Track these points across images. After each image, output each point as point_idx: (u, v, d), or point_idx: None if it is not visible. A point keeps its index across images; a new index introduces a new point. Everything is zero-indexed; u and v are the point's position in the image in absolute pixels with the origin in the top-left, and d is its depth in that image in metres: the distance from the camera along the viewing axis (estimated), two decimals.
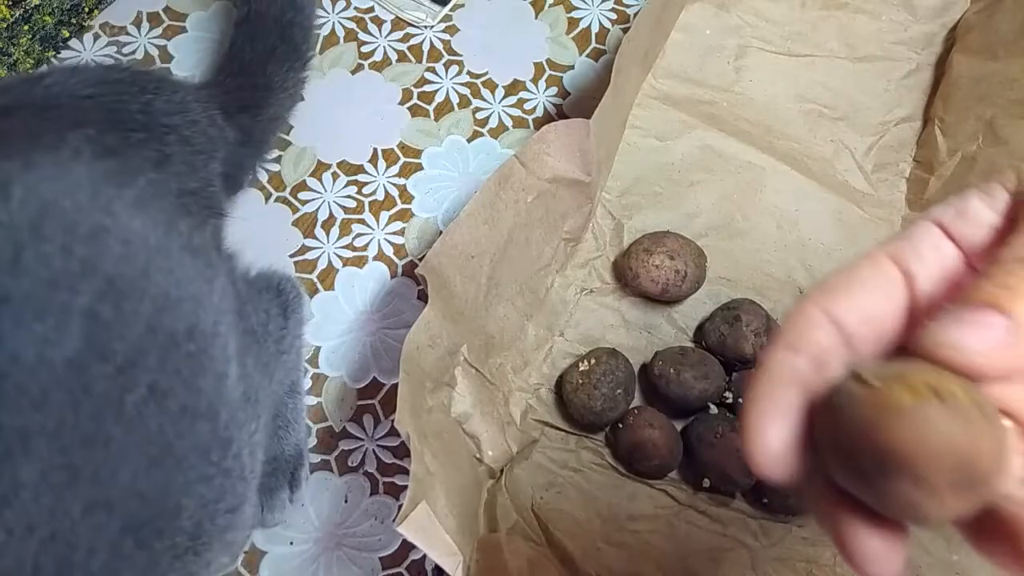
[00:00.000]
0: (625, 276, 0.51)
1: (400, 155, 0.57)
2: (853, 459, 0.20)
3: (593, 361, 0.48)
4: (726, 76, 0.58)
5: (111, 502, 0.28)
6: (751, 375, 0.23)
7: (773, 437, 0.22)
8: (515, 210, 0.45)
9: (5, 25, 0.53)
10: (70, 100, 0.37)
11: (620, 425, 0.48)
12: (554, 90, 0.60)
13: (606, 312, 0.52)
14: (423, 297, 0.53)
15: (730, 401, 0.49)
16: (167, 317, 0.30)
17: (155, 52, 0.59)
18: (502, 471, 0.47)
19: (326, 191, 0.56)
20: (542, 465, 0.48)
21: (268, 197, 0.55)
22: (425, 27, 0.61)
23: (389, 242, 0.55)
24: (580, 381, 0.47)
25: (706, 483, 0.47)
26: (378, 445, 0.50)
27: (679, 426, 0.49)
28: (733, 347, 0.49)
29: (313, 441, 0.50)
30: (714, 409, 0.48)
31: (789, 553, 0.47)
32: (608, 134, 0.50)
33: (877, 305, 0.23)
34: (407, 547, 0.47)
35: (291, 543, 0.47)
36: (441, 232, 0.55)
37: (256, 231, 0.54)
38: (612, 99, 0.45)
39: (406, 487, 0.49)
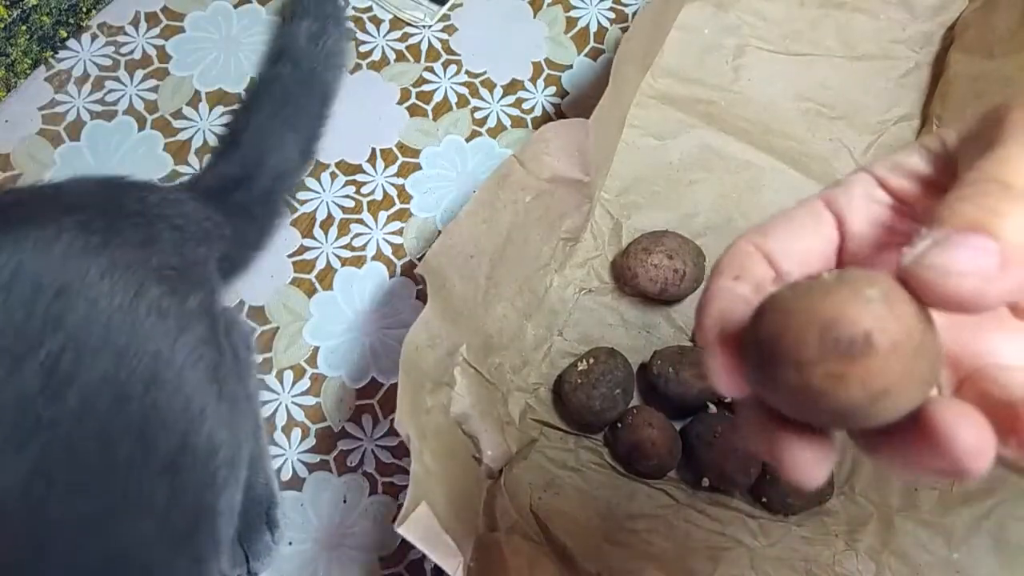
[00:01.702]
0: (624, 275, 0.51)
1: (398, 155, 0.57)
2: (756, 355, 0.19)
3: (592, 361, 0.48)
4: (724, 75, 0.57)
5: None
6: (700, 301, 0.23)
7: (727, 356, 0.21)
8: (514, 210, 0.45)
9: (3, 25, 0.53)
10: (72, 194, 0.41)
11: (619, 425, 0.48)
12: (552, 89, 0.60)
13: (605, 312, 0.52)
14: (421, 297, 0.53)
15: (729, 400, 0.48)
16: (124, 370, 0.33)
17: (153, 52, 0.58)
18: (501, 471, 0.47)
19: (324, 191, 0.56)
20: (541, 465, 0.48)
21: None
22: (423, 26, 0.61)
23: (387, 242, 0.55)
24: (579, 381, 0.47)
25: (705, 482, 0.47)
26: (377, 445, 0.50)
27: (678, 426, 0.49)
28: None
29: (312, 441, 0.50)
30: (713, 408, 0.48)
31: (788, 552, 0.46)
32: (607, 134, 0.50)
33: (808, 245, 0.23)
34: (406, 547, 0.47)
35: (290, 543, 0.47)
36: (440, 232, 0.54)
37: None
38: (611, 99, 0.45)
39: (405, 487, 0.49)
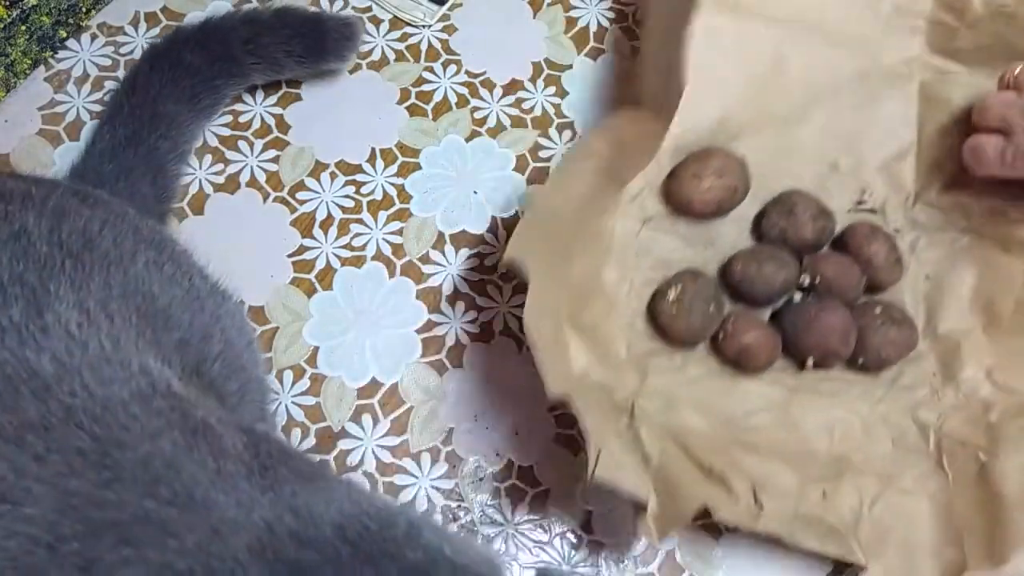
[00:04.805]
0: (679, 203, 0.51)
1: (398, 155, 0.57)
2: None
3: (680, 287, 0.49)
4: None
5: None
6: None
7: None
8: (582, 179, 0.47)
9: (2, 26, 0.53)
10: None
11: (721, 335, 0.49)
12: (552, 89, 0.60)
13: (666, 237, 0.52)
14: (421, 296, 0.53)
15: (806, 285, 0.50)
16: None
17: None
18: (633, 406, 0.47)
19: (324, 191, 0.56)
20: (658, 390, 0.48)
21: (266, 197, 0.55)
22: (423, 26, 0.61)
23: (387, 242, 0.55)
24: (674, 311, 0.48)
25: (809, 363, 0.49)
26: (377, 445, 0.50)
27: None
28: (795, 236, 0.51)
29: (312, 441, 0.50)
30: (798, 296, 0.51)
31: (893, 405, 0.49)
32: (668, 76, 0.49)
33: None
34: None
35: None
36: (439, 232, 0.55)
37: (254, 231, 0.54)
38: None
39: (406, 487, 0.49)
